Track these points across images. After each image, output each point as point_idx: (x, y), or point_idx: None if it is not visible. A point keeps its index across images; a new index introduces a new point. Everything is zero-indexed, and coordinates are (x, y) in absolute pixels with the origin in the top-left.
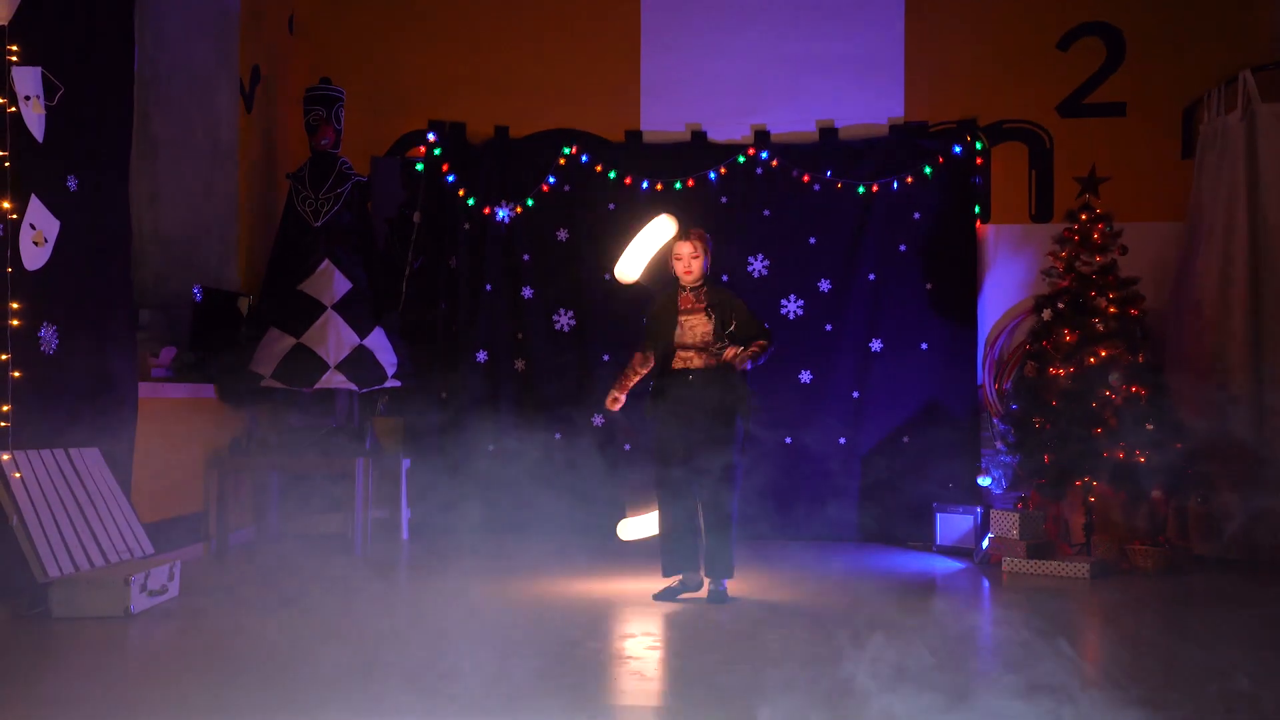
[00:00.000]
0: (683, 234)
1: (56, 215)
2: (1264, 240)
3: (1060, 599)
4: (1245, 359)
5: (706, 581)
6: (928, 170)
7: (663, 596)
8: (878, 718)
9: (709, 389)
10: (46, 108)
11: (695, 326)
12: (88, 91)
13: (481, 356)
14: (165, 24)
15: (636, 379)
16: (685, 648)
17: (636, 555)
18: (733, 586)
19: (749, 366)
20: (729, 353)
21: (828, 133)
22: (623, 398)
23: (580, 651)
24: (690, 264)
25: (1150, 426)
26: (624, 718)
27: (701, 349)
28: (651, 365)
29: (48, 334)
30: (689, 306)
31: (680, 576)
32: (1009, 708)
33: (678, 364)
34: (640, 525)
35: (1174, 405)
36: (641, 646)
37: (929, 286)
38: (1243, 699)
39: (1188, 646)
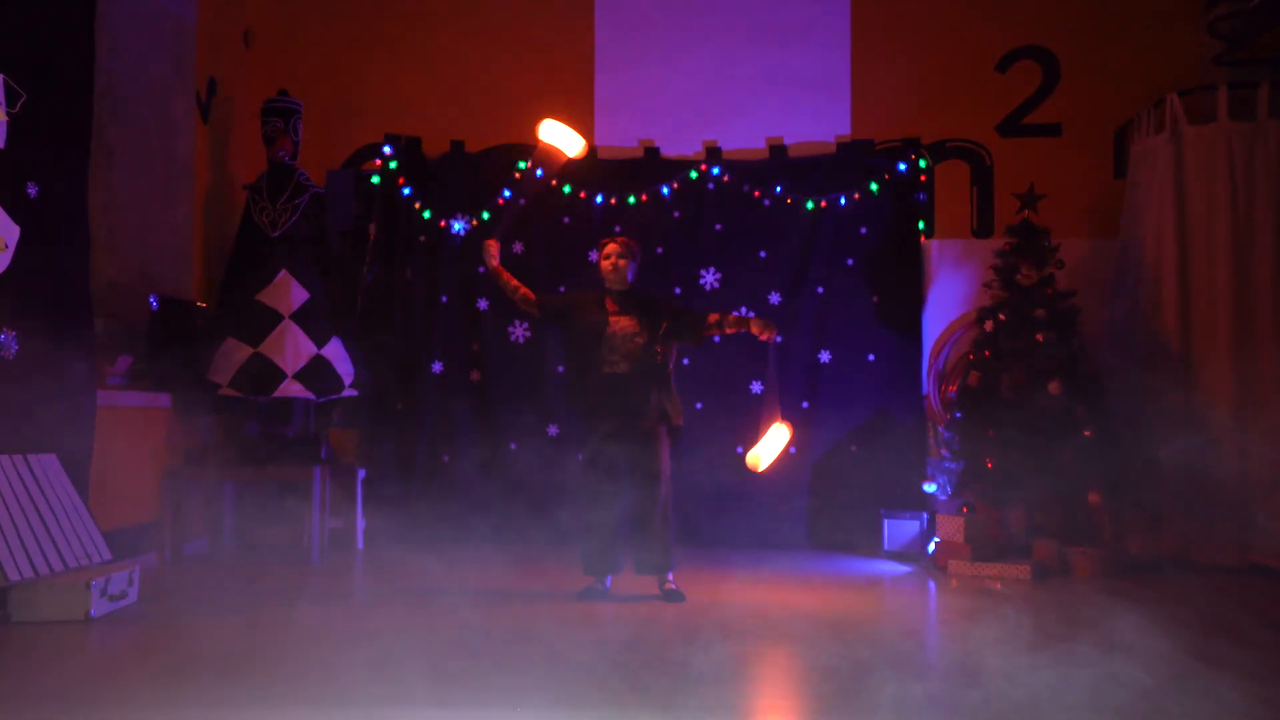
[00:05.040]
0: (614, 240)
1: (16, 221)
2: (1191, 257)
3: (1002, 598)
4: (1176, 368)
5: (656, 579)
6: (874, 187)
7: (586, 597)
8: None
9: (639, 391)
10: (9, 115)
11: (626, 328)
12: (49, 99)
13: (437, 367)
14: (122, 35)
15: (511, 285)
16: (631, 643)
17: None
18: (685, 589)
19: (778, 338)
20: (763, 332)
21: (777, 150)
22: (495, 254)
23: (532, 649)
24: (617, 261)
25: (1087, 433)
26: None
27: (628, 355)
28: (531, 307)
29: (6, 339)
30: (615, 309)
31: (608, 578)
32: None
33: (606, 368)
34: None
35: (1110, 413)
36: (595, 644)
37: (875, 299)
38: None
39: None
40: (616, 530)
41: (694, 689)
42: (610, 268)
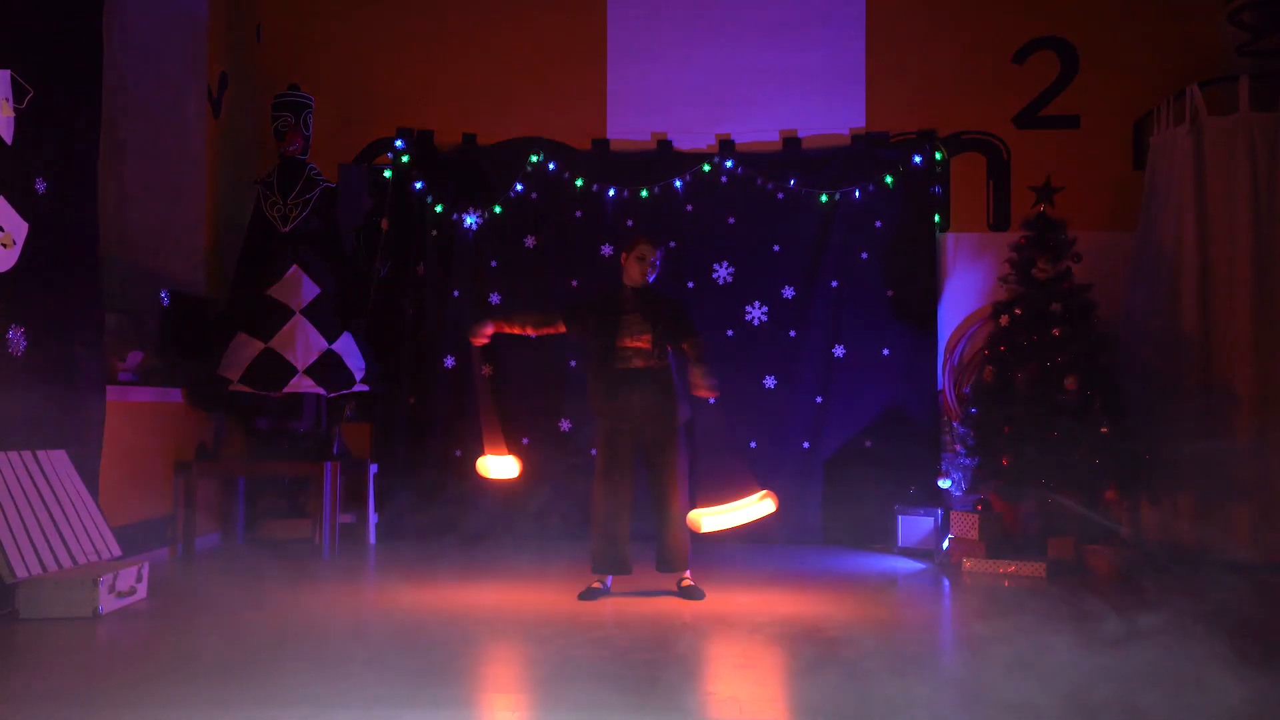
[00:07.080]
0: (651, 244)
1: (25, 217)
2: (1211, 250)
3: (1017, 596)
4: (1194, 362)
5: (677, 576)
6: (889, 180)
7: (587, 596)
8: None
9: (651, 388)
10: (15, 110)
11: (634, 327)
12: (56, 95)
13: (449, 362)
14: (133, 29)
15: (518, 332)
16: (649, 646)
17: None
18: (697, 585)
19: (714, 392)
20: (699, 388)
21: (791, 142)
22: (488, 335)
23: (537, 650)
24: (649, 269)
25: (1104, 429)
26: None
27: (639, 351)
28: (552, 327)
29: (15, 336)
30: (630, 308)
31: (609, 577)
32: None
33: (620, 364)
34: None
35: (1127, 408)
36: (600, 645)
37: (890, 293)
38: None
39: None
40: (628, 530)
41: (702, 690)
42: (644, 271)
